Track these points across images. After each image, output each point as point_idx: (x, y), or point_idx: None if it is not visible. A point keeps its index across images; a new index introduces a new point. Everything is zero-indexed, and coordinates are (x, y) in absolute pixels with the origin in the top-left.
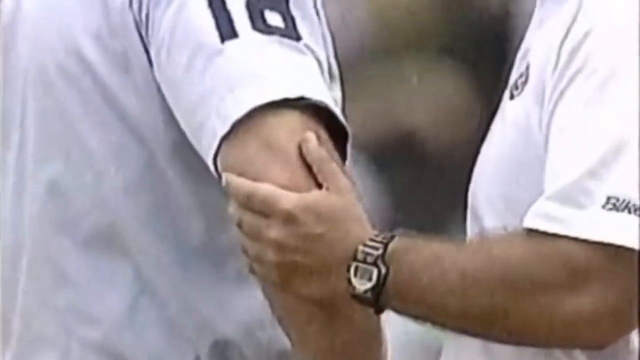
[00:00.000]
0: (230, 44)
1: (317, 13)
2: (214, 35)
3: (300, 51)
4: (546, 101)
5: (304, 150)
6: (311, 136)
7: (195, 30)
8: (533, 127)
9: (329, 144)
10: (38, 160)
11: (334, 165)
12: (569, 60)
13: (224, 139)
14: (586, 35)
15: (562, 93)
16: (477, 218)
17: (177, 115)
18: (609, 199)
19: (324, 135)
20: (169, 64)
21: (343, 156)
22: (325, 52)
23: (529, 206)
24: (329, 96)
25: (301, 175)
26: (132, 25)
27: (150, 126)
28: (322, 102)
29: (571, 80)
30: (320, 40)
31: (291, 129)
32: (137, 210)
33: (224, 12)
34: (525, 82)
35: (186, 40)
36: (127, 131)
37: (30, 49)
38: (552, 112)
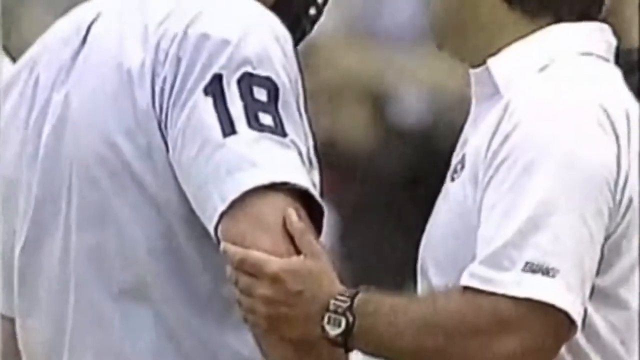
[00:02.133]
0: (230, 139)
1: (300, 113)
2: (218, 132)
3: (286, 145)
4: (479, 184)
5: (287, 224)
6: (292, 212)
7: (202, 128)
8: (469, 204)
9: (307, 219)
10: (81, 227)
11: (310, 236)
12: (497, 152)
13: (223, 214)
14: (510, 132)
15: (491, 178)
16: (426, 276)
17: (187, 193)
18: (527, 263)
19: (303, 212)
20: (182, 154)
21: (319, 228)
22: (306, 145)
23: (464, 266)
24: (309, 181)
25: (284, 244)
26: (154, 122)
27: (167, 201)
28: (302, 186)
29: (498, 168)
30: (302, 136)
31: (277, 207)
32: (159, 268)
33: (226, 113)
34: (462, 168)
35: (195, 136)
36: (149, 205)
37: (75, 141)
38: (484, 193)
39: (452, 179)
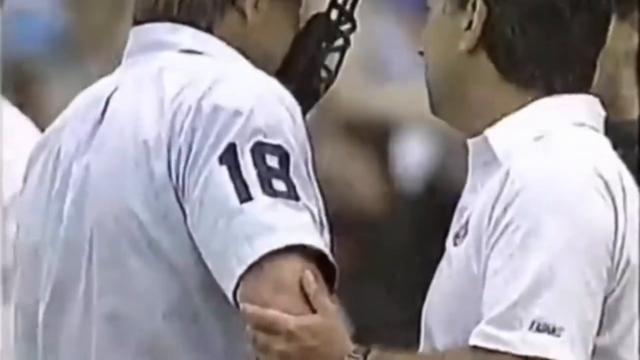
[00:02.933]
0: (247, 205)
1: (310, 177)
2: (235, 199)
3: (300, 209)
4: (483, 248)
5: (304, 284)
6: (309, 274)
7: (219, 196)
8: (473, 268)
9: (321, 279)
10: (101, 292)
11: (324, 295)
12: (500, 217)
13: (242, 277)
14: (513, 198)
15: (495, 243)
16: (429, 337)
17: (206, 259)
18: (533, 323)
19: (318, 272)
20: (200, 222)
21: (331, 286)
22: (317, 207)
23: (469, 326)
24: (322, 242)
25: (299, 303)
26: (171, 190)
27: (184, 266)
28: (317, 248)
29: (502, 233)
30: (313, 199)
31: (293, 269)
32: (174, 329)
33: (241, 181)
34: (465, 234)
35: (213, 204)
36: (166, 270)
37: (95, 210)
38: (488, 257)
39: (455, 244)
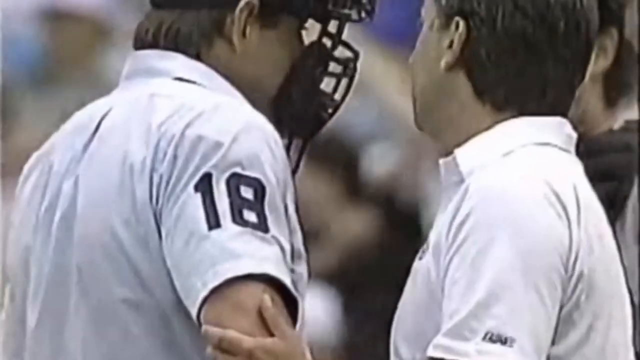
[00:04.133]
0: (214, 232)
1: (287, 210)
2: (204, 225)
3: (267, 241)
4: (441, 262)
5: (262, 309)
6: (267, 299)
7: (190, 221)
8: (433, 281)
9: (281, 306)
10: (87, 306)
11: (281, 320)
12: (457, 233)
13: (205, 300)
14: (468, 214)
15: (452, 257)
16: (397, 352)
17: (175, 281)
18: (486, 333)
19: (278, 299)
20: (172, 245)
21: (295, 317)
22: (289, 242)
23: (431, 339)
24: (287, 274)
25: (257, 327)
26: (151, 214)
27: (160, 286)
28: (278, 278)
29: (458, 248)
30: (286, 231)
31: (253, 295)
32: (156, 347)
33: (213, 209)
34: (427, 249)
35: (184, 229)
36: (144, 290)
37: (82, 228)
38: (446, 270)
39: (420, 258)
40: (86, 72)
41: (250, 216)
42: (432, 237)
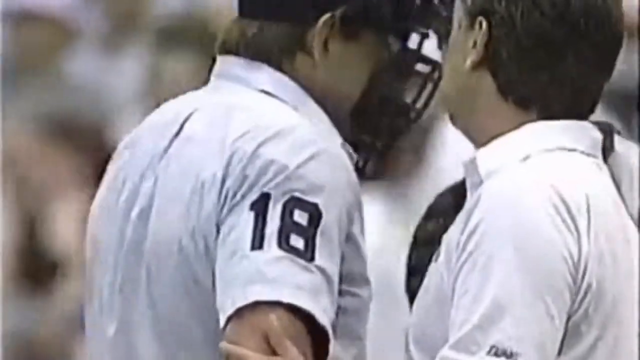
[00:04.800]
0: (255, 252)
1: (350, 236)
2: (248, 244)
3: (308, 269)
4: (452, 270)
5: (267, 330)
6: (274, 319)
7: (238, 238)
8: (444, 288)
9: (301, 334)
10: (150, 306)
11: (288, 343)
12: (467, 242)
13: (230, 318)
14: (478, 224)
15: (462, 266)
16: (409, 353)
17: (216, 290)
18: (491, 347)
19: (302, 328)
20: (219, 258)
21: (325, 349)
22: (338, 269)
23: (437, 344)
24: (321, 303)
25: (266, 349)
26: (214, 227)
27: (214, 293)
28: (307, 310)
29: (467, 258)
30: (337, 260)
31: (274, 321)
32: (214, 356)
33: (262, 229)
34: (439, 254)
35: (231, 244)
36: (204, 300)
37: (154, 231)
38: (456, 279)
39: (435, 261)
40: (50, 75)
41: (298, 242)
42: (446, 240)
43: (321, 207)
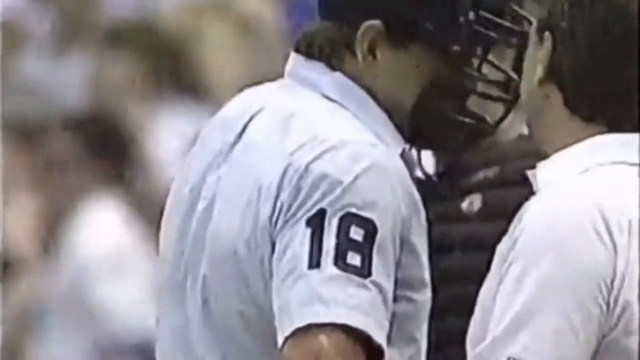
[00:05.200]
0: (312, 272)
1: (406, 245)
2: (305, 263)
3: (365, 287)
4: (497, 276)
5: (319, 354)
6: (327, 348)
7: (294, 257)
8: (492, 293)
9: (358, 354)
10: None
11: None
12: (507, 255)
13: (286, 339)
14: (518, 237)
15: (502, 277)
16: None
17: (273, 306)
18: (508, 359)
19: (358, 349)
20: (275, 275)
21: None
22: (393, 280)
23: None
24: (376, 321)
25: None
26: (268, 238)
27: (269, 304)
28: (362, 330)
29: (507, 269)
30: (391, 272)
31: (330, 342)
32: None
33: (318, 247)
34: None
35: (287, 262)
36: (258, 307)
37: (213, 232)
38: (497, 287)
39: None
40: None
41: (354, 259)
42: (498, 249)
43: (376, 221)
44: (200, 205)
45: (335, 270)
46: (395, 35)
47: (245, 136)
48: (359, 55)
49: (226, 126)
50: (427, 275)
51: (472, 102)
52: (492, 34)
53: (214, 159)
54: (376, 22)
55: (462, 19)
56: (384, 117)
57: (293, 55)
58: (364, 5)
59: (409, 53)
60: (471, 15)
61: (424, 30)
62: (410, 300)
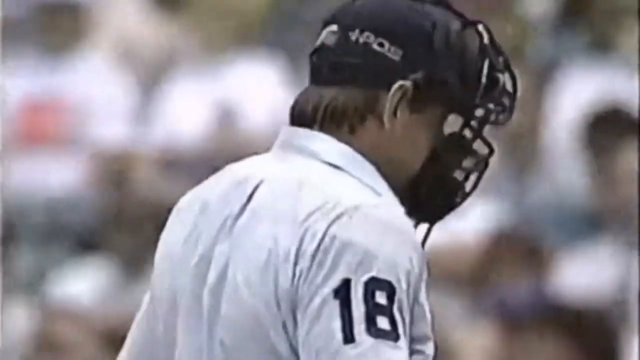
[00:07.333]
0: (348, 347)
1: (416, 300)
2: (339, 337)
3: (397, 348)
4: None
5: None
6: None
7: (326, 330)
8: None
9: None
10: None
11: None
12: None
13: None
14: None
15: None
16: None
17: None
18: None
19: None
20: (306, 345)
21: None
22: (422, 328)
23: None
24: None
25: None
26: (290, 302)
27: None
28: None
29: None
30: (407, 328)
31: None
32: None
33: (349, 318)
34: None
35: (319, 336)
36: (272, 353)
37: (228, 306)
38: None
39: None
40: None
41: (383, 323)
42: None
43: (394, 283)
44: (211, 278)
45: (369, 340)
46: (418, 98)
47: (252, 204)
48: (385, 117)
49: (229, 195)
50: (430, 330)
51: (457, 173)
52: (503, 103)
53: (221, 227)
54: (406, 82)
55: (484, 80)
56: (385, 185)
57: (288, 128)
58: (393, 67)
59: (425, 116)
60: (501, 79)
61: (448, 89)
62: (420, 353)
